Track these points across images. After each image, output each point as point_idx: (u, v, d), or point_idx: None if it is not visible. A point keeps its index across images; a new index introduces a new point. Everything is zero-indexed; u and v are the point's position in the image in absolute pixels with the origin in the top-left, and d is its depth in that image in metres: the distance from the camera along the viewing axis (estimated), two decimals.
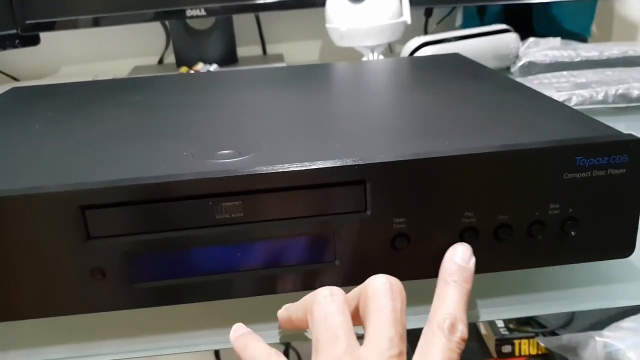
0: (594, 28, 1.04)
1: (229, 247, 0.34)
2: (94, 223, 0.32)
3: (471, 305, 0.37)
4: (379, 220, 0.34)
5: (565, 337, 0.62)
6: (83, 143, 0.40)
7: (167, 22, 1.11)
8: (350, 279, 0.35)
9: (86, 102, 0.52)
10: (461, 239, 0.35)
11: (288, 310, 0.34)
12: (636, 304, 0.37)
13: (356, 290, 0.32)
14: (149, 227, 0.33)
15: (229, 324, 0.35)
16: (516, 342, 0.74)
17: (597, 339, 0.59)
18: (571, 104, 0.67)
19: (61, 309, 0.34)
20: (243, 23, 1.13)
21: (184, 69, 1.00)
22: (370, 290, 0.31)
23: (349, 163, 0.33)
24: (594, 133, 0.36)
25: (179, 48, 1.08)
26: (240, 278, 0.35)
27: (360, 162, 0.33)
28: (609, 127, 0.37)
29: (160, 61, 1.15)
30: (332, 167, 0.33)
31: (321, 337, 0.29)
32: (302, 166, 0.33)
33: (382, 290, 0.30)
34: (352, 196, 0.34)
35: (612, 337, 0.59)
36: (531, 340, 0.73)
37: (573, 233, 0.35)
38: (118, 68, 1.13)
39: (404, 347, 0.29)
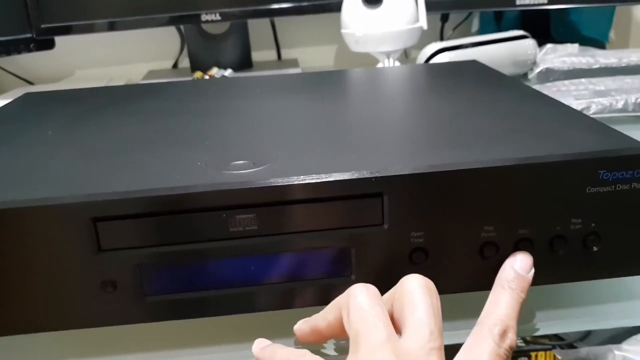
0: (612, 34, 1.03)
1: (243, 261, 0.33)
2: (105, 235, 0.32)
3: None
4: (397, 234, 0.33)
5: (584, 351, 0.61)
6: (95, 152, 0.39)
7: (182, 27, 1.11)
8: None
9: (99, 109, 0.51)
10: (481, 254, 0.34)
11: (309, 323, 0.33)
12: None
13: (388, 294, 0.32)
14: (161, 239, 0.32)
15: (241, 339, 0.34)
16: (532, 354, 0.72)
17: (616, 352, 0.57)
18: (590, 112, 0.66)
19: (72, 323, 0.34)
20: (258, 28, 1.12)
21: (198, 74, 1.00)
22: (406, 289, 0.30)
23: (366, 175, 0.32)
24: (617, 145, 0.34)
25: (193, 52, 1.08)
26: (254, 292, 0.34)
27: (378, 175, 0.32)
28: (632, 139, 0.36)
29: (175, 65, 1.15)
30: (349, 179, 0.32)
31: (360, 328, 0.29)
32: (318, 178, 0.32)
33: (418, 287, 0.30)
34: (369, 209, 0.33)
35: (631, 350, 0.57)
36: (548, 352, 0.72)
37: (595, 248, 0.34)
38: (132, 72, 1.13)
39: (442, 342, 0.29)
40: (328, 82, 0.58)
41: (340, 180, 0.32)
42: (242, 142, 0.40)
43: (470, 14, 1.09)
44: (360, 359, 0.28)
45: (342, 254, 0.34)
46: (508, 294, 0.32)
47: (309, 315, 0.34)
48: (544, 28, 1.02)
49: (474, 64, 0.62)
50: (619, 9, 1.06)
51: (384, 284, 0.33)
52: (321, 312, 0.33)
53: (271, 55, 1.16)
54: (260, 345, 0.34)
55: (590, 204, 0.34)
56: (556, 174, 0.33)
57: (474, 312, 0.32)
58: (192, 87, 0.60)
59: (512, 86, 0.51)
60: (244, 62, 1.08)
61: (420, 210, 0.33)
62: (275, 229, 0.33)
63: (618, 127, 0.61)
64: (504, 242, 0.34)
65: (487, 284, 0.35)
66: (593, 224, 0.34)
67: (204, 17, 0.98)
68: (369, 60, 0.94)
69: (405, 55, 1.13)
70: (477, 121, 0.41)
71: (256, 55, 1.13)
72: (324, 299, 0.34)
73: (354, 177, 0.32)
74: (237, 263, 0.33)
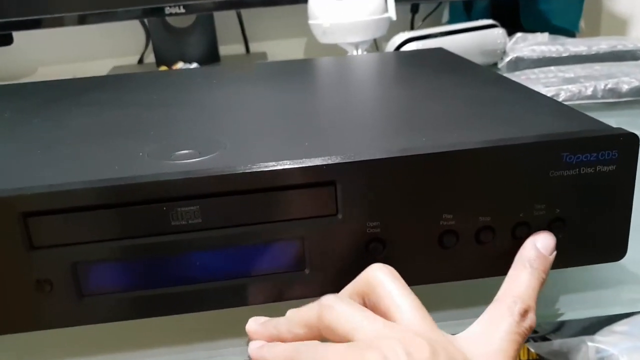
0: (582, 23, 1.02)
1: (187, 256, 0.31)
2: (37, 231, 0.30)
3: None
4: (352, 225, 0.31)
5: (557, 343, 0.60)
6: (34, 145, 0.37)
7: (146, 21, 1.08)
8: (322, 287, 0.32)
9: (49, 102, 0.49)
10: (440, 243, 0.32)
11: (268, 330, 0.30)
12: (630, 311, 0.34)
13: (350, 287, 0.30)
14: (98, 235, 0.30)
15: (188, 339, 0.32)
16: None
17: (589, 344, 0.56)
18: (559, 99, 0.65)
19: (6, 326, 0.31)
20: (225, 21, 1.10)
21: (163, 69, 0.97)
22: (375, 281, 0.29)
23: (318, 163, 0.30)
24: (581, 127, 0.33)
25: (158, 47, 1.05)
26: (201, 290, 0.32)
27: (330, 162, 0.30)
28: (597, 121, 0.35)
29: (141, 61, 1.12)
30: (299, 167, 0.30)
31: (349, 326, 0.26)
32: (266, 167, 0.30)
33: (387, 275, 0.29)
34: (321, 199, 0.31)
35: (604, 341, 0.56)
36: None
37: (560, 235, 0.33)
38: (97, 68, 1.10)
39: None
40: (290, 71, 0.56)
41: (289, 168, 0.30)
42: (190, 132, 0.38)
43: (439, 4, 1.08)
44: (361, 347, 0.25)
45: (295, 247, 0.32)
46: (529, 272, 0.31)
47: (264, 312, 0.32)
48: (514, 18, 1.01)
49: (439, 52, 0.60)
50: None
51: (340, 277, 0.32)
52: (284, 323, 0.30)
53: (239, 49, 1.13)
54: (257, 321, 0.31)
55: (554, 189, 0.32)
56: (517, 158, 0.31)
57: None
58: (150, 78, 0.57)
59: (477, 72, 0.50)
60: (211, 56, 1.06)
61: (376, 199, 0.31)
62: (221, 222, 0.31)
63: (587, 114, 0.60)
64: (464, 230, 0.32)
65: (447, 274, 0.33)
66: (558, 210, 0.33)
67: (167, 10, 0.95)
68: (338, 52, 0.92)
69: (376, 47, 1.11)
70: (439, 107, 0.40)
71: (224, 49, 1.11)
72: (278, 295, 0.32)
73: (304, 165, 0.30)
74: (181, 259, 0.31)
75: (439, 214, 0.32)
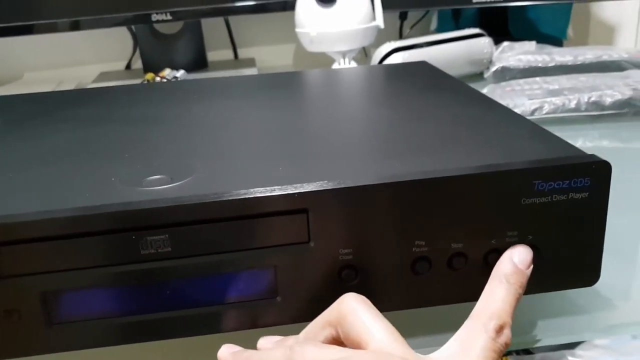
0: (570, 31, 1.02)
1: (157, 285, 0.31)
2: (4, 261, 0.29)
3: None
4: (324, 252, 0.31)
5: (538, 356, 0.60)
6: (1, 169, 0.37)
7: (133, 27, 1.08)
8: (294, 315, 0.32)
9: (23, 119, 0.48)
10: (413, 270, 0.32)
11: (238, 358, 0.30)
12: (602, 336, 0.34)
13: (322, 319, 0.29)
14: (66, 264, 0.30)
15: None
16: None
17: (570, 358, 0.56)
18: (543, 112, 0.65)
19: None
20: (213, 27, 1.10)
21: (149, 76, 0.97)
22: (346, 309, 0.28)
23: (289, 191, 0.30)
24: (554, 154, 0.33)
25: (146, 53, 1.05)
26: (171, 317, 0.32)
27: (302, 190, 0.30)
28: (571, 146, 0.35)
29: (128, 67, 1.12)
30: (270, 196, 0.30)
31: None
32: (236, 195, 0.30)
33: (358, 304, 0.28)
34: (293, 226, 0.31)
35: (585, 356, 0.56)
36: (504, 358, 0.71)
37: (534, 262, 0.33)
38: (84, 74, 1.09)
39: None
40: (272, 86, 0.56)
41: (260, 197, 0.30)
42: (164, 154, 0.38)
43: (427, 12, 1.08)
44: None
45: (266, 275, 0.32)
46: (505, 288, 0.30)
47: (237, 340, 0.32)
48: (502, 26, 1.01)
49: (423, 66, 0.60)
50: (577, 6, 1.05)
51: (312, 305, 0.32)
52: (256, 357, 0.30)
53: (228, 54, 1.13)
54: (230, 350, 0.31)
55: (527, 216, 0.32)
56: (489, 186, 0.31)
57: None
58: (127, 92, 0.57)
59: (457, 90, 0.49)
60: (199, 62, 1.05)
61: (348, 226, 0.31)
62: (191, 251, 0.30)
63: (570, 127, 0.60)
64: (436, 257, 0.32)
65: (420, 300, 0.33)
66: (530, 237, 0.32)
67: (154, 17, 0.95)
68: (326, 59, 0.92)
69: (365, 54, 1.11)
70: (415, 130, 0.40)
71: (212, 55, 1.11)
72: (250, 323, 0.32)
73: (275, 193, 0.30)
74: (151, 288, 0.31)
75: (412, 240, 0.32)
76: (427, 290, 0.33)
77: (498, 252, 0.32)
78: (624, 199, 0.49)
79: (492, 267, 0.32)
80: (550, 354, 0.61)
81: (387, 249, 0.32)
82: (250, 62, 1.09)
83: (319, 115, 0.45)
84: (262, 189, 0.30)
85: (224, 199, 0.30)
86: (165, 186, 0.32)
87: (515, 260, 0.32)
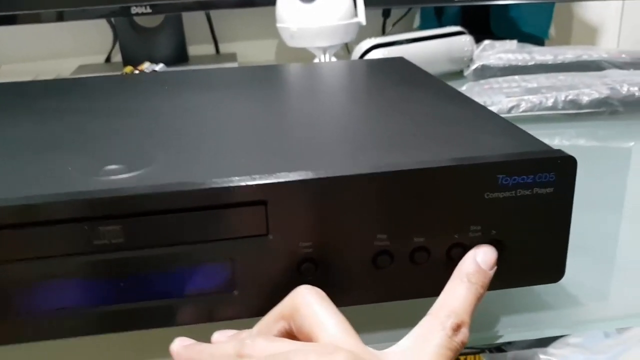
0: (552, 31, 1.02)
1: (111, 277, 0.30)
2: None
3: None
4: (283, 245, 0.31)
5: (511, 354, 0.60)
6: None
7: (113, 19, 1.06)
8: (252, 309, 0.32)
9: None
10: (374, 264, 0.32)
11: (190, 352, 0.29)
12: (565, 333, 0.34)
13: (275, 311, 0.29)
14: (17, 254, 0.29)
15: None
16: (462, 357, 0.71)
17: (542, 356, 0.56)
18: (520, 110, 0.65)
19: None
20: (195, 21, 1.09)
21: (128, 69, 0.96)
22: (300, 302, 0.28)
23: (248, 183, 0.29)
24: (520, 148, 0.33)
25: (125, 46, 1.04)
26: (125, 310, 0.31)
27: (260, 182, 0.30)
28: (538, 141, 0.34)
29: (108, 60, 1.11)
30: (227, 187, 0.29)
31: None
32: (192, 186, 0.29)
33: (312, 296, 0.28)
34: (251, 219, 0.30)
35: (557, 354, 0.56)
36: (477, 356, 0.70)
37: (498, 257, 0.32)
38: (62, 67, 1.08)
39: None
40: (243, 78, 0.55)
41: (217, 188, 0.29)
42: (127, 144, 0.37)
43: (410, 9, 1.07)
44: None
45: (224, 268, 0.31)
46: (466, 287, 0.30)
47: (192, 334, 0.31)
48: (485, 25, 1.01)
49: (399, 61, 0.60)
50: (559, 6, 1.05)
51: (270, 299, 0.31)
52: (208, 351, 0.29)
53: (209, 49, 1.12)
54: (182, 343, 0.30)
55: (490, 211, 0.31)
56: (452, 180, 0.31)
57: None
58: (99, 83, 0.56)
59: (431, 85, 0.49)
60: (179, 56, 1.04)
61: (308, 219, 0.30)
62: (145, 242, 0.30)
63: (547, 125, 0.60)
64: (398, 251, 0.32)
65: (382, 295, 0.33)
66: (494, 231, 0.32)
67: (134, 10, 0.93)
68: (309, 55, 0.91)
69: (348, 51, 1.11)
70: (384, 124, 0.39)
71: (194, 50, 1.10)
72: (206, 316, 0.32)
73: (233, 184, 0.29)
74: (104, 280, 0.30)
75: (373, 234, 0.31)
76: (388, 284, 0.32)
77: (461, 247, 0.32)
78: (597, 197, 0.49)
79: (455, 262, 0.32)
80: (523, 351, 0.61)
81: (348, 243, 0.31)
82: (232, 57, 1.08)
83: (287, 109, 0.44)
84: (220, 179, 0.30)
85: (179, 189, 0.29)
86: (122, 176, 0.31)
87: (479, 260, 0.31)
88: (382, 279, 0.32)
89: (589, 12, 1.10)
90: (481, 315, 0.31)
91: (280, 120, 0.41)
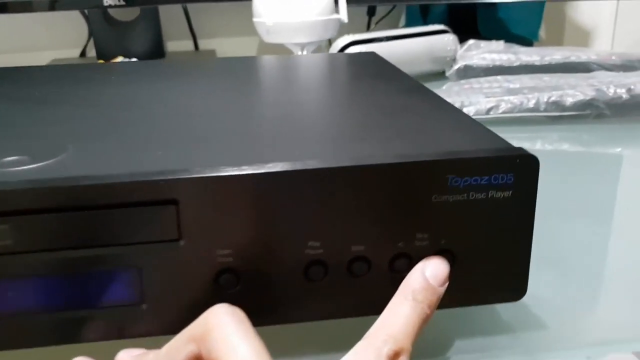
0: (542, 33, 0.98)
1: None
2: None
3: None
4: (197, 252, 0.27)
5: None
6: None
7: (87, 12, 1.02)
8: (163, 326, 0.27)
9: None
10: (306, 276, 0.28)
11: None
12: (526, 359, 0.30)
13: (185, 333, 0.25)
14: None
15: None
16: None
17: None
18: (499, 111, 0.61)
19: None
20: (173, 16, 1.05)
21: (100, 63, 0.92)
22: (213, 323, 0.23)
23: (154, 178, 0.25)
24: (476, 146, 0.29)
25: (100, 40, 1.00)
26: (14, 323, 0.27)
27: (170, 177, 0.25)
28: (498, 138, 0.30)
29: (83, 54, 1.07)
30: (131, 182, 0.25)
31: None
32: (92, 180, 0.25)
33: (227, 316, 0.23)
34: (160, 221, 0.26)
35: None
36: None
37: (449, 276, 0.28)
38: (36, 60, 1.04)
39: None
40: (197, 70, 0.51)
41: (120, 183, 0.25)
42: (41, 135, 0.33)
43: (394, 7, 1.04)
44: None
45: (129, 277, 0.27)
46: (411, 306, 0.26)
47: (93, 352, 0.27)
48: (472, 25, 0.97)
49: (369, 56, 0.56)
50: (550, 7, 1.01)
51: (184, 314, 0.27)
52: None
53: (188, 45, 1.08)
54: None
55: (439, 216, 0.27)
56: (393, 180, 0.26)
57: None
58: (44, 72, 0.52)
59: (398, 81, 0.45)
60: (156, 52, 1.00)
61: (227, 223, 0.26)
62: (36, 245, 0.25)
63: (528, 128, 0.56)
64: (334, 261, 0.28)
65: (315, 312, 0.28)
66: (443, 241, 0.28)
67: (106, 2, 0.89)
68: (289, 52, 0.87)
69: (329, 49, 1.07)
70: (335, 117, 0.35)
71: (172, 45, 1.06)
72: (111, 333, 0.27)
73: (136, 179, 0.25)
74: None
75: (304, 241, 0.27)
76: (322, 300, 0.28)
77: (406, 258, 0.28)
78: (576, 205, 0.45)
79: (400, 275, 0.28)
80: None
81: (274, 251, 0.27)
82: (211, 54, 1.04)
83: (233, 99, 0.40)
84: (124, 174, 0.26)
85: (74, 184, 0.25)
86: (22, 167, 0.27)
87: (428, 275, 0.27)
88: (315, 293, 0.28)
89: (581, 14, 1.06)
90: (427, 339, 0.27)
91: (223, 110, 0.37)
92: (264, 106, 0.38)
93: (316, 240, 0.27)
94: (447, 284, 0.28)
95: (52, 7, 0.88)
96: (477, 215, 0.28)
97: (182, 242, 0.26)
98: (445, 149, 0.28)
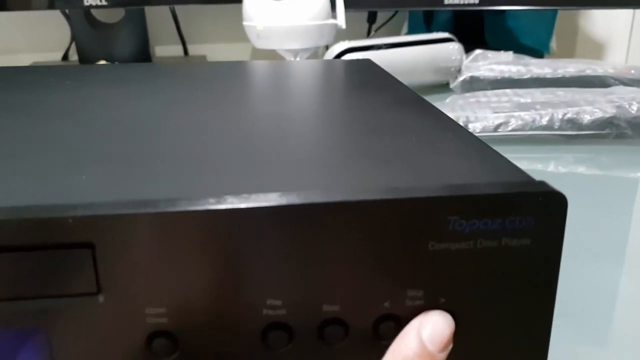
0: (553, 44, 0.92)
1: None
2: None
3: None
4: (122, 310, 0.20)
5: None
6: None
7: (69, 12, 0.97)
8: None
9: None
10: (264, 342, 0.21)
11: None
12: None
13: None
14: None
15: None
16: None
17: None
18: (509, 128, 0.54)
19: None
20: (161, 19, 0.99)
21: None
22: None
23: (64, 214, 0.19)
24: (486, 177, 0.22)
25: (82, 43, 0.94)
26: None
27: (82, 213, 0.19)
28: (514, 167, 0.24)
29: (65, 57, 1.01)
30: (33, 219, 0.19)
31: None
32: None
33: None
34: (73, 268, 0.20)
35: None
36: None
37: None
38: (14, 63, 0.98)
39: None
40: (170, 75, 0.45)
41: (16, 220, 0.19)
42: None
43: (395, 13, 0.98)
44: None
45: (33, 340, 0.21)
46: None
47: None
48: (479, 35, 0.91)
49: (363, 63, 0.50)
50: (563, 19, 0.96)
51: None
52: None
53: (177, 50, 1.02)
54: None
55: (437, 269, 0.21)
56: (379, 221, 0.20)
57: None
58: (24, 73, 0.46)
59: (394, 92, 0.39)
60: (141, 56, 0.95)
61: (159, 273, 0.20)
62: None
63: (540, 148, 0.50)
64: (300, 325, 0.21)
65: None
66: (442, 299, 0.22)
67: (87, 2, 0.84)
68: (282, 58, 0.81)
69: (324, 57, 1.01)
70: (310, 134, 0.29)
71: (161, 50, 1.00)
72: None
73: (40, 216, 0.19)
74: None
75: (262, 298, 0.21)
76: None
77: (394, 321, 0.22)
78: (595, 242, 0.39)
79: (387, 342, 0.22)
80: None
81: (223, 310, 0.21)
82: (201, 59, 0.98)
83: (193, 110, 0.34)
84: (25, 207, 0.19)
85: None
86: None
87: (425, 336, 0.21)
88: None
89: (595, 25, 1.00)
90: None
91: (171, 124, 0.31)
92: (226, 120, 0.32)
93: (277, 298, 0.21)
94: (450, 348, 0.21)
95: (27, 6, 0.83)
96: (486, 268, 0.21)
97: (100, 298, 0.20)
98: (446, 181, 0.22)
